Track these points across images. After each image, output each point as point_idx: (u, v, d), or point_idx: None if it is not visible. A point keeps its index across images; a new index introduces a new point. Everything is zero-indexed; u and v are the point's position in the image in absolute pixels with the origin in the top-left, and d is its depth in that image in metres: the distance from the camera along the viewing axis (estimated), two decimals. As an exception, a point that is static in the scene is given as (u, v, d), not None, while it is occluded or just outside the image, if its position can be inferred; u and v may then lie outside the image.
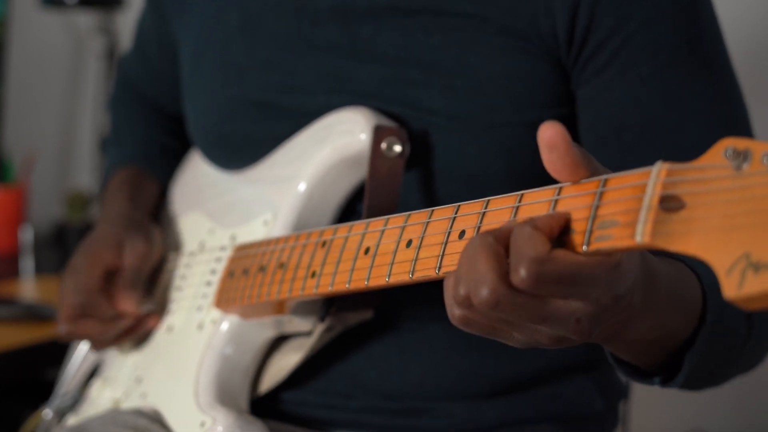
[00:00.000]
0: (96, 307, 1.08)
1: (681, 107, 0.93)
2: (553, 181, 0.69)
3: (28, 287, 1.84)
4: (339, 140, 0.98)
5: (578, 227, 0.65)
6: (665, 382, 0.81)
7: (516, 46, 0.94)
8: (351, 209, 1.01)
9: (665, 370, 0.81)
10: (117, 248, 1.10)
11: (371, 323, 1.00)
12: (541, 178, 0.71)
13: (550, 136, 0.66)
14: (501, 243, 0.66)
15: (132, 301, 1.08)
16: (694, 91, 0.93)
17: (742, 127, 0.95)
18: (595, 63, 0.93)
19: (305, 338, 0.99)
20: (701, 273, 0.82)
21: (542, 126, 0.66)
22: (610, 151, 0.93)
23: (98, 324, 1.08)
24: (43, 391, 1.34)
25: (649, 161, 0.92)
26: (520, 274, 0.63)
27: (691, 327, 0.80)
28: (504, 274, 0.65)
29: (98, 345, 1.11)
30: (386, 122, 0.96)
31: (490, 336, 0.71)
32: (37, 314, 1.61)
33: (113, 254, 1.09)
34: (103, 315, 1.08)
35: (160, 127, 1.29)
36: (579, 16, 0.91)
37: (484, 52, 0.95)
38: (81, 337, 1.09)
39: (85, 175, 2.42)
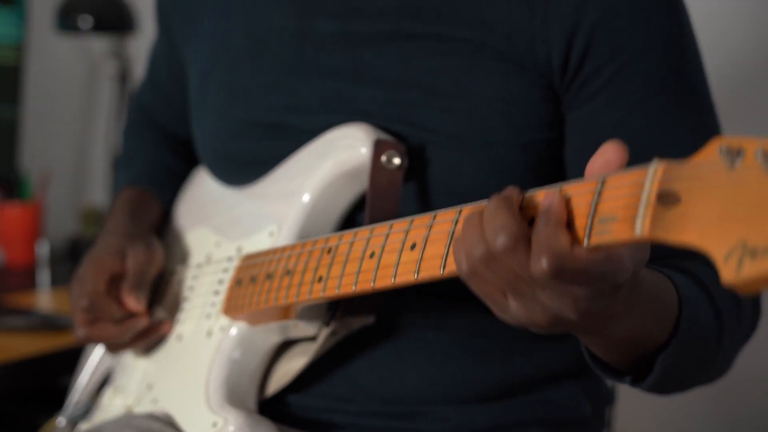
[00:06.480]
0: (105, 309, 1.08)
1: (665, 134, 0.95)
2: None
3: (45, 298, 1.82)
4: (341, 154, 0.99)
5: (579, 223, 0.67)
6: (635, 382, 0.83)
7: (511, 71, 0.96)
8: (352, 220, 1.02)
9: (637, 371, 0.83)
10: (119, 256, 1.10)
11: (372, 330, 1.01)
12: None
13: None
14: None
15: (138, 300, 1.08)
16: (678, 119, 0.96)
17: None
18: (588, 89, 0.95)
19: (310, 343, 1.01)
20: (678, 283, 0.84)
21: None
22: None
23: (113, 326, 1.08)
24: (59, 397, 1.31)
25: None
26: (542, 264, 0.67)
27: (666, 332, 0.81)
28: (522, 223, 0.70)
29: (116, 348, 1.11)
30: (385, 137, 0.98)
31: (488, 299, 0.74)
32: (52, 324, 1.59)
33: (116, 261, 1.10)
34: (113, 316, 1.08)
35: (168, 150, 1.29)
36: (575, 44, 0.93)
37: (481, 76, 0.96)
38: (98, 340, 1.09)
39: (98, 191, 2.39)
